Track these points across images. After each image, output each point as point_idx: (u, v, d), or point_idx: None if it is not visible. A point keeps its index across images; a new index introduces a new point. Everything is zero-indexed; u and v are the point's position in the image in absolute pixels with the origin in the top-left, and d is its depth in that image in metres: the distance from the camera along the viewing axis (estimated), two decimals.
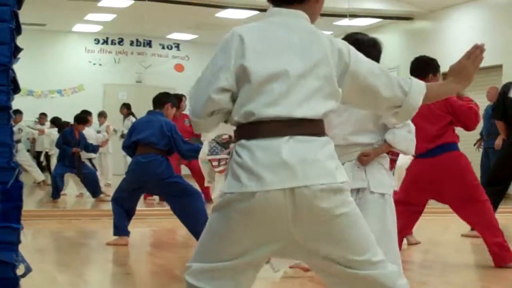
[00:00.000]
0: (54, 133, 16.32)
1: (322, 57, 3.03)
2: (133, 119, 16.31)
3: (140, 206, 12.91)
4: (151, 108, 8.83)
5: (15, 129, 17.51)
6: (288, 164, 2.89)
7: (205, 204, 8.50)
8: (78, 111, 16.24)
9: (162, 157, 8.37)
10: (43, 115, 19.39)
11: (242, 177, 2.91)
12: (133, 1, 17.12)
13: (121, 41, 22.29)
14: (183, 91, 20.50)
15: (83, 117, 14.13)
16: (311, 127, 2.99)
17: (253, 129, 2.96)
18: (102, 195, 13.60)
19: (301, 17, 3.13)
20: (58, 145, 13.82)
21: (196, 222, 8.16)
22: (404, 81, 3.22)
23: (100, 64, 22.00)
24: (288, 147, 2.92)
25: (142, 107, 16.85)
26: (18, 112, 17.95)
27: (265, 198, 2.88)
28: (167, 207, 9.03)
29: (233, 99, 3.03)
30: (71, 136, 13.67)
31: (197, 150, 8.51)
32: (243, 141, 2.96)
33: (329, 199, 2.94)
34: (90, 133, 15.20)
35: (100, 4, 17.52)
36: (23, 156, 16.78)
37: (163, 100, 8.77)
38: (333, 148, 3.06)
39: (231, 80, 2.99)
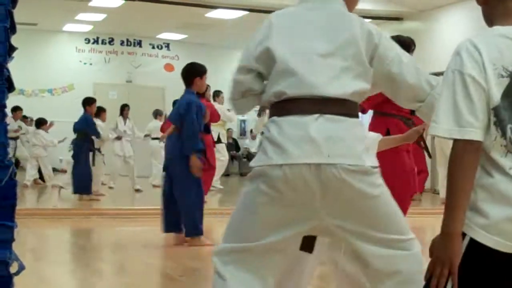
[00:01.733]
0: (42, 133, 16.22)
1: (349, 37, 3.09)
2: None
3: (131, 205, 12.93)
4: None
5: (15, 125, 17.47)
6: (314, 140, 2.97)
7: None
8: (68, 111, 16.25)
9: None
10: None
11: (268, 151, 3.01)
12: (123, 1, 17.12)
13: (111, 41, 22.27)
14: (173, 91, 20.59)
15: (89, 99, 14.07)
16: (341, 107, 3.06)
17: (285, 106, 3.06)
18: (93, 195, 13.47)
19: (336, 2, 3.22)
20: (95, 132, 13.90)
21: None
22: (432, 77, 3.22)
23: (91, 64, 21.98)
24: (317, 124, 3.00)
25: (132, 107, 16.87)
26: (18, 108, 17.89)
27: (290, 171, 2.96)
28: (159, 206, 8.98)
29: (262, 80, 3.17)
30: None
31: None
32: (274, 118, 3.07)
33: (357, 181, 3.00)
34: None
35: (91, 4, 17.51)
36: (21, 152, 16.73)
37: (188, 76, 8.58)
38: (363, 131, 3.14)
39: (253, 60, 3.15)
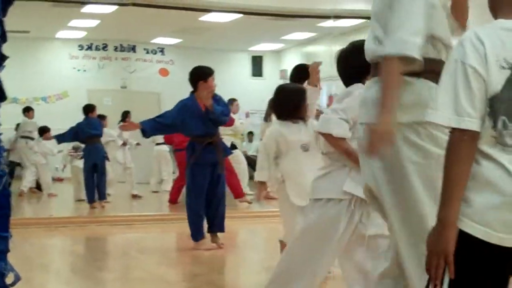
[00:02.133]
0: (44, 141, 16.12)
1: None
2: None
3: (130, 211, 12.88)
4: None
5: (34, 124, 17.35)
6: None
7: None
8: (63, 118, 16.13)
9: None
10: None
11: None
12: (116, 7, 17.06)
13: (105, 47, 22.20)
14: (169, 96, 20.50)
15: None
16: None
17: None
18: (96, 203, 13.35)
19: None
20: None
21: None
22: (408, 31, 3.23)
23: (85, 70, 21.89)
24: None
25: None
26: (30, 108, 17.83)
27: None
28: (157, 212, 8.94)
29: None
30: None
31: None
32: None
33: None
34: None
35: (83, 10, 17.45)
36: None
37: (192, 80, 8.54)
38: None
39: None
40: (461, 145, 2.41)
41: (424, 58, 3.26)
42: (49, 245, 9.77)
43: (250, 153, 20.20)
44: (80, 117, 13.71)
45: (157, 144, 16.21)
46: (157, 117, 8.64)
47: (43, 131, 16.24)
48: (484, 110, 2.41)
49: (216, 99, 8.55)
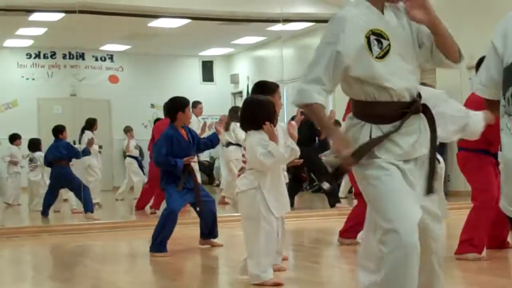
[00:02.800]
0: (14, 149, 15.91)
1: None
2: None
3: (80, 219, 12.77)
4: None
5: None
6: None
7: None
8: (13, 127, 15.96)
9: None
10: None
11: None
12: (64, 14, 16.95)
13: (53, 55, 22.00)
14: (119, 102, 20.37)
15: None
16: None
17: None
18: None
19: None
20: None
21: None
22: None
23: (33, 79, 21.67)
24: None
25: (77, 121, 16.69)
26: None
27: None
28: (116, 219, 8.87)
29: None
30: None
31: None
32: None
33: None
34: None
35: (31, 18, 17.29)
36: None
37: (171, 112, 8.66)
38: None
39: None
40: (487, 108, 3.03)
41: (358, 101, 3.64)
42: (1, 255, 9.65)
43: (202, 158, 20.19)
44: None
45: (128, 156, 16.40)
46: (156, 161, 8.66)
47: (14, 138, 16.07)
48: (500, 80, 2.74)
49: (192, 133, 8.75)
